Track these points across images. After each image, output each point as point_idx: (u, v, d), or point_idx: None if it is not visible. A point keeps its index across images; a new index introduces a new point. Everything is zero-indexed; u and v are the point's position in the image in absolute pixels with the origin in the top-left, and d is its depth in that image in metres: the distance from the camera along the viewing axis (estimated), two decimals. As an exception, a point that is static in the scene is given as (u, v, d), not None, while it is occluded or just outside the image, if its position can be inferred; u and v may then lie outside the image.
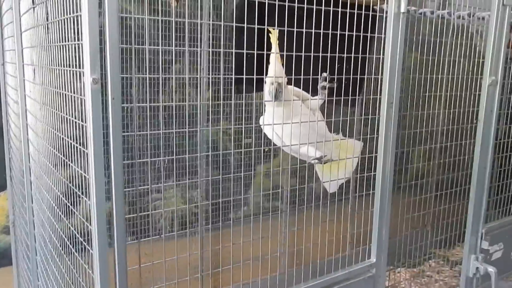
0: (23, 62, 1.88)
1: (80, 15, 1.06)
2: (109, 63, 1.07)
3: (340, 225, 1.95)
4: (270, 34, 1.71)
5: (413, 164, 2.74)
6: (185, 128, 1.65)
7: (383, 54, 1.58)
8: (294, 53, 1.65)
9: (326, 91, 1.78)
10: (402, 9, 1.54)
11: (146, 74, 1.34)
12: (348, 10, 1.67)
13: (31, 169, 1.97)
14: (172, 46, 1.46)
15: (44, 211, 1.74)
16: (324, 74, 1.72)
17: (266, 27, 1.65)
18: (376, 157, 1.65)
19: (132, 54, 1.21)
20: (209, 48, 2.93)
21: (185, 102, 1.85)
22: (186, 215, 3.27)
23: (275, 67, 1.72)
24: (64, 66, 1.27)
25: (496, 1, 1.78)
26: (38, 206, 1.89)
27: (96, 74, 1.06)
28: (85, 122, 1.10)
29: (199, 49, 2.93)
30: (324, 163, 1.84)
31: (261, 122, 1.87)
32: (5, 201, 2.79)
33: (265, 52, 1.66)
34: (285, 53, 1.64)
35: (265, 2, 1.56)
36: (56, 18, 1.30)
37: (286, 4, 1.52)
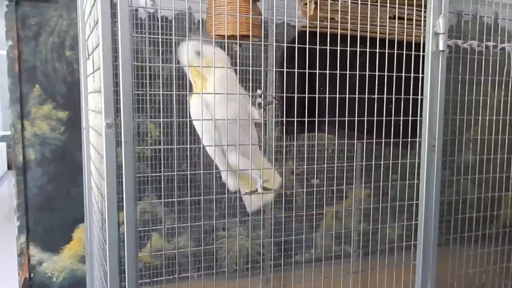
0: (87, 106, 2.06)
1: (100, 68, 1.16)
2: (123, 108, 1.15)
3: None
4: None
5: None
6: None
7: (422, 95, 1.50)
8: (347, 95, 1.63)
9: (262, 110, 1.68)
10: (441, 47, 1.45)
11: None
12: (392, 51, 1.62)
13: (94, 209, 2.12)
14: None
15: (96, 245, 1.87)
16: (259, 91, 1.64)
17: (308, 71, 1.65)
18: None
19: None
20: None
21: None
22: (251, 254, 3.27)
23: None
24: (98, 112, 1.38)
25: None
26: (95, 241, 2.02)
27: (110, 119, 1.14)
28: (102, 163, 1.18)
29: (249, 92, 3.00)
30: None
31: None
32: (83, 233, 3.01)
33: (317, 95, 1.66)
34: (333, 95, 1.62)
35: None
36: (95, 68, 1.43)
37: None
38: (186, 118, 1.63)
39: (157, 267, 3.10)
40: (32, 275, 3.00)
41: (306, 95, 1.61)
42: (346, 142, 1.96)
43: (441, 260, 1.62)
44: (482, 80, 2.10)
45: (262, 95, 1.64)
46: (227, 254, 3.31)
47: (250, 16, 2.45)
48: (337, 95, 1.55)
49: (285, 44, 1.66)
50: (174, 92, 1.23)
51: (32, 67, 2.84)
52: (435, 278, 1.56)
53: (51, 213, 2.99)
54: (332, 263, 1.99)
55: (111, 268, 1.18)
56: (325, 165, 1.71)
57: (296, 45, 1.55)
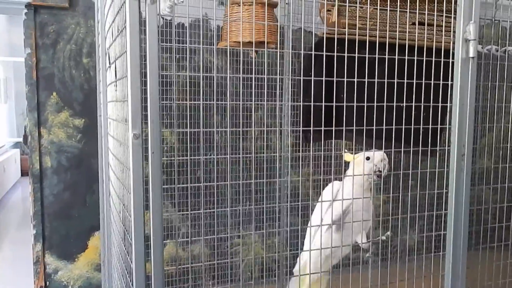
0: (107, 115, 2.05)
1: (126, 77, 1.14)
2: (150, 119, 1.13)
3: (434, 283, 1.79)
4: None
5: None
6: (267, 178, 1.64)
7: (451, 102, 1.46)
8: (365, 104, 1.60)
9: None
10: (471, 54, 1.41)
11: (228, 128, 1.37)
12: (416, 58, 1.59)
13: (112, 215, 2.11)
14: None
15: (116, 255, 1.84)
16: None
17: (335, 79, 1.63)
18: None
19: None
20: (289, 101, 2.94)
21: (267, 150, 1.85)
22: (267, 262, 3.23)
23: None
24: (121, 121, 1.36)
25: None
26: (114, 250, 2.00)
27: (137, 130, 1.12)
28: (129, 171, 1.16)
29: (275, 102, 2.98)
30: None
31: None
32: (99, 241, 3.00)
33: (334, 104, 1.64)
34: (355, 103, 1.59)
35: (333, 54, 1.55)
36: (118, 76, 1.42)
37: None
38: (204, 127, 1.63)
39: (171, 275, 3.07)
40: (47, 284, 2.99)
41: (345, 103, 1.58)
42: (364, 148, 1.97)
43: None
44: (505, 85, 2.07)
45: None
46: (242, 262, 3.27)
47: (266, 23, 2.43)
48: (365, 103, 1.52)
49: (313, 52, 1.64)
50: (201, 102, 1.21)
51: (49, 74, 2.84)
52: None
53: (67, 221, 2.98)
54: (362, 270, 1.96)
55: (138, 282, 1.15)
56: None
57: (324, 53, 1.52)
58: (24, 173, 7.70)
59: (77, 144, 2.94)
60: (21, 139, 8.11)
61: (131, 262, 1.17)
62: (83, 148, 2.95)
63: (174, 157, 2.86)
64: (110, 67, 1.72)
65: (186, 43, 2.79)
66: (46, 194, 2.92)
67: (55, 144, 2.89)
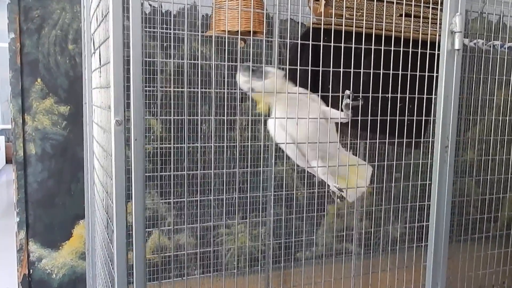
0: (92, 102, 2.03)
1: (109, 62, 1.12)
2: (133, 105, 1.11)
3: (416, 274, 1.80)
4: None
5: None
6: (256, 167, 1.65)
7: (436, 94, 1.47)
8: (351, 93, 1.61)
9: (350, 111, 1.70)
10: (457, 46, 1.42)
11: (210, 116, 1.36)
12: (402, 49, 1.60)
13: (96, 203, 2.10)
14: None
15: (100, 243, 1.84)
16: (347, 92, 1.65)
17: (320, 68, 1.63)
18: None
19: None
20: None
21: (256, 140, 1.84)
22: (252, 252, 3.24)
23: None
24: (105, 108, 1.35)
25: None
26: (98, 238, 1.99)
27: (120, 116, 1.11)
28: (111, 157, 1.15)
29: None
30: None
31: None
32: (84, 229, 2.98)
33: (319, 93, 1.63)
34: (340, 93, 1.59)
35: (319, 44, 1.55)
36: (102, 62, 1.40)
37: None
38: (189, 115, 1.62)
39: (156, 264, 3.07)
40: (31, 271, 2.96)
41: (330, 94, 1.58)
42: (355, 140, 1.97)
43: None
44: (489, 79, 2.08)
45: (351, 95, 1.69)
46: (228, 252, 3.28)
47: (254, 11, 2.42)
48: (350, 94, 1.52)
49: (299, 41, 1.63)
50: (185, 89, 1.20)
51: (34, 60, 2.79)
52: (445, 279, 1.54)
53: (51, 209, 2.95)
54: (342, 261, 1.97)
55: (119, 270, 1.15)
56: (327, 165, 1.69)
57: (311, 42, 1.52)
58: (9, 160, 7.62)
59: (62, 132, 2.91)
60: (5, 126, 8.01)
61: (113, 249, 1.16)
62: (68, 135, 2.92)
63: (159, 146, 2.85)
64: (95, 53, 1.70)
65: (172, 30, 2.76)
66: (30, 182, 2.88)
67: (39, 131, 2.86)
